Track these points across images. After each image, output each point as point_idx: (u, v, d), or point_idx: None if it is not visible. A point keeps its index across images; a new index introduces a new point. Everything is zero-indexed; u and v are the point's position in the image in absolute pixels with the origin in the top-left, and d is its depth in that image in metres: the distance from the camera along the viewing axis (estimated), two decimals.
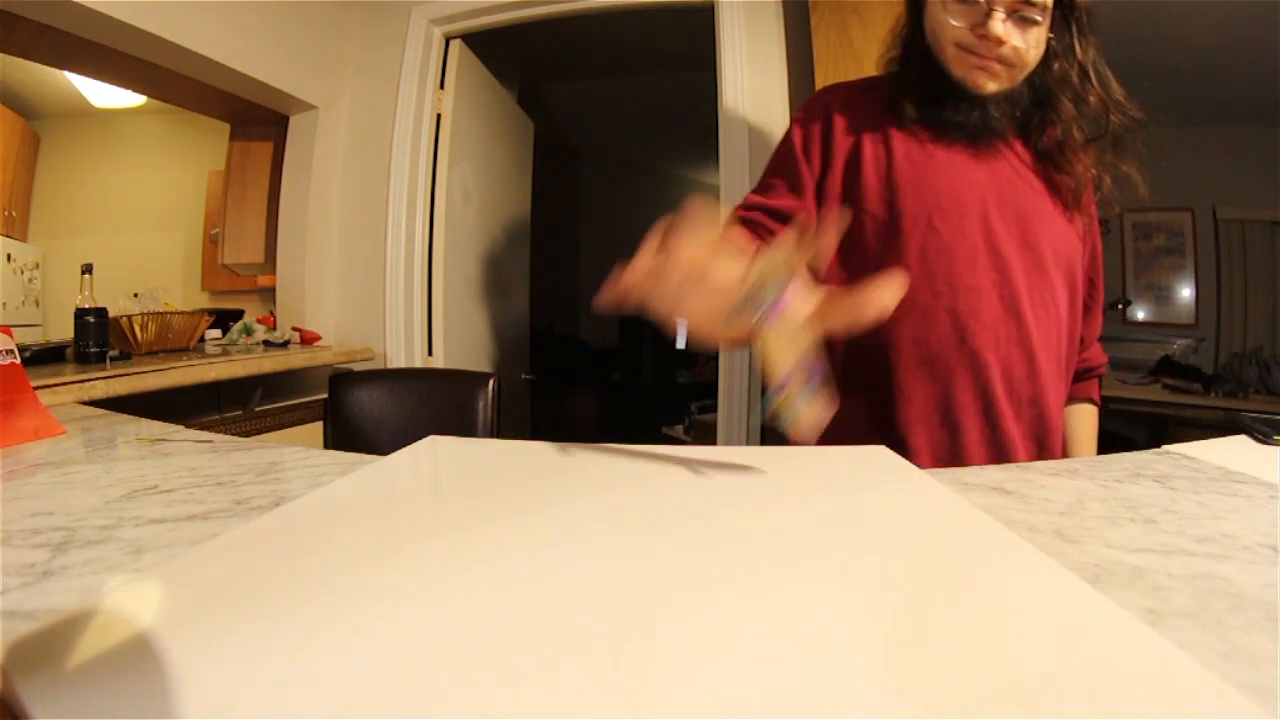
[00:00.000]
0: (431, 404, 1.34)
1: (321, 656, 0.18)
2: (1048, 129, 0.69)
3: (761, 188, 0.75)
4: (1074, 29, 0.65)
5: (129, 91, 2.07)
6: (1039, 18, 0.62)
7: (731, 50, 1.62)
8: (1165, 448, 0.49)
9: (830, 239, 0.39)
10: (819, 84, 1.37)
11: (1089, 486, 0.38)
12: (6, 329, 0.60)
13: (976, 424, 0.65)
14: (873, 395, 0.68)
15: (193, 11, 1.47)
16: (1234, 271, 2.97)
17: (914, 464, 0.43)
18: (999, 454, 0.65)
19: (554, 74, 3.31)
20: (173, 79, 1.66)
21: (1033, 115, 0.69)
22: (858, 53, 1.35)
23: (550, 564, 0.24)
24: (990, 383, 0.65)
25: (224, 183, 2.19)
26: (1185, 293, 3.10)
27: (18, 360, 0.59)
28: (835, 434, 0.66)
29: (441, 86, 1.92)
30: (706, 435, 2.69)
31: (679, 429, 3.41)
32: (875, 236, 0.68)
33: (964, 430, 0.65)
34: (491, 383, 1.31)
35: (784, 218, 0.70)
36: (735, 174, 1.57)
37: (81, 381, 0.99)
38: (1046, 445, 0.68)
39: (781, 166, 0.74)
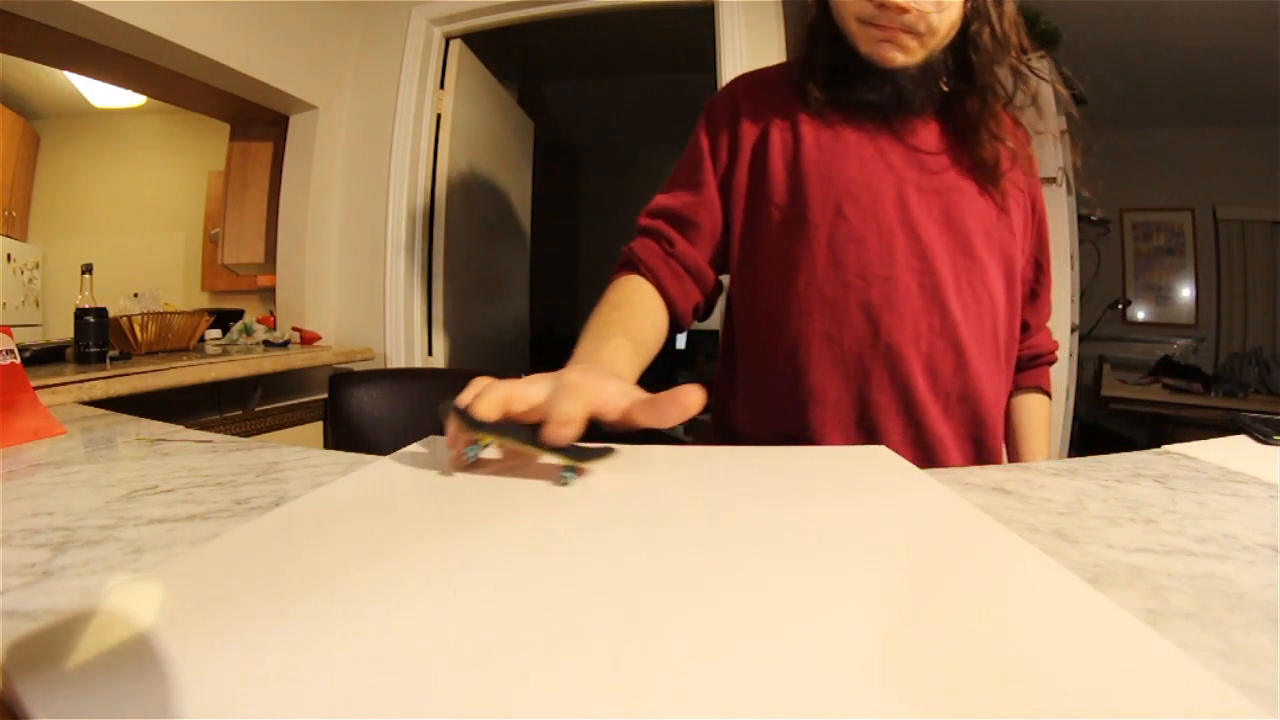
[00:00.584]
0: (431, 404, 1.33)
1: (321, 656, 0.18)
2: (966, 99, 0.64)
3: (668, 185, 0.72)
4: None
5: (129, 91, 2.07)
6: None
7: (731, 50, 1.62)
8: (1165, 448, 0.48)
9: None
10: None
11: (1089, 486, 0.39)
12: (6, 329, 0.60)
13: (897, 425, 0.60)
14: (784, 397, 0.63)
15: (192, 11, 1.47)
16: (1234, 271, 2.97)
17: None
18: (927, 457, 0.61)
19: (554, 74, 3.31)
20: (173, 79, 1.66)
21: (952, 86, 0.64)
22: None
23: (550, 563, 0.24)
24: (910, 380, 0.60)
25: (224, 183, 2.19)
26: (1185, 293, 3.10)
27: (18, 360, 0.59)
28: (748, 438, 0.63)
29: (441, 86, 1.92)
30: (706, 435, 2.68)
31: (678, 428, 3.41)
32: (782, 229, 0.64)
33: (883, 433, 0.60)
34: None
35: (685, 221, 0.68)
36: None
37: (81, 381, 0.99)
38: (985, 445, 0.64)
39: (688, 163, 0.71)
